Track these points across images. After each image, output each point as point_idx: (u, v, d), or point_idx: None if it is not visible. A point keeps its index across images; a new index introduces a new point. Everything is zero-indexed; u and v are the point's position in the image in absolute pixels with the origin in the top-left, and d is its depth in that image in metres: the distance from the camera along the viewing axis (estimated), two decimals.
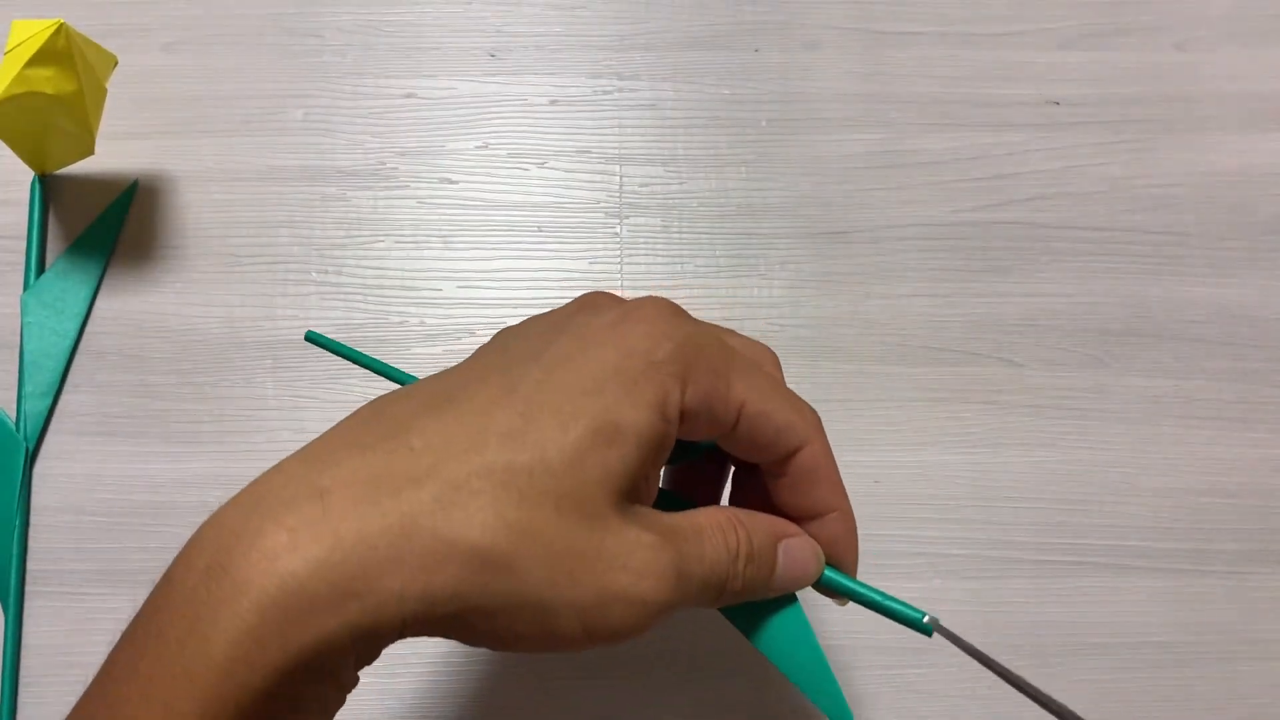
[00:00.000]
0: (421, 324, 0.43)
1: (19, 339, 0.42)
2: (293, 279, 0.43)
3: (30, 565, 0.40)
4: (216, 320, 0.43)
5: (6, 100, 0.36)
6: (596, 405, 0.23)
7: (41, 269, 0.43)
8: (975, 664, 0.26)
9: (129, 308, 0.43)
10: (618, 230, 0.44)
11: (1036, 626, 0.41)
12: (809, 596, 0.28)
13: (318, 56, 0.46)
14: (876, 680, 0.40)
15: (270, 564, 0.20)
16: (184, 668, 0.20)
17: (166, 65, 0.45)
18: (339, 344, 0.34)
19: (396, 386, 0.32)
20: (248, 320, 0.43)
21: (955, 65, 0.47)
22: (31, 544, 0.40)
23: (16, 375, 0.42)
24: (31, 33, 0.36)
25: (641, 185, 0.45)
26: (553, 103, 0.46)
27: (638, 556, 0.23)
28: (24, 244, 0.43)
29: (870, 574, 0.39)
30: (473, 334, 0.43)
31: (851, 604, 0.28)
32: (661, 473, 0.27)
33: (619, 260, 0.44)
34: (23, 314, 0.42)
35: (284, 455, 0.43)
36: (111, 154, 0.44)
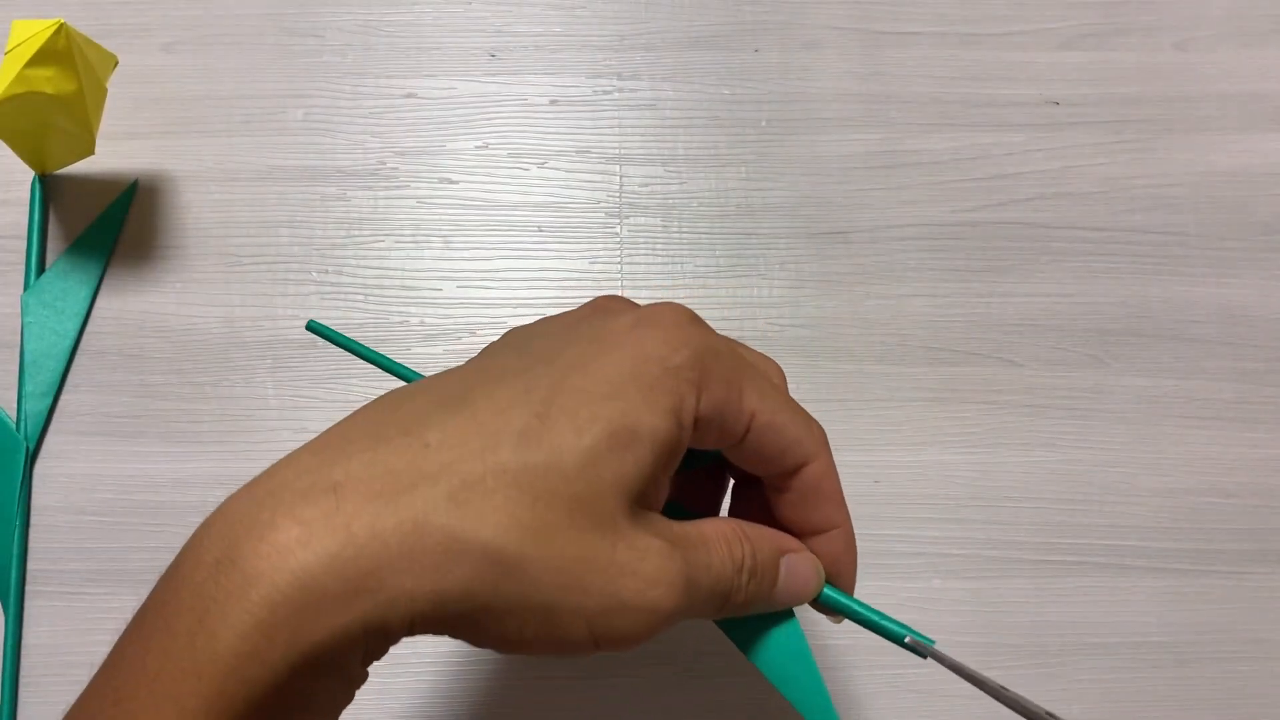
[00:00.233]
0: (421, 324, 0.43)
1: (19, 339, 0.42)
2: (293, 279, 0.43)
3: (30, 565, 0.40)
4: (216, 320, 0.43)
5: (6, 100, 0.36)
6: (613, 409, 0.23)
7: (42, 269, 0.43)
8: (975, 666, 0.26)
9: (129, 308, 0.43)
10: (618, 230, 0.44)
11: (1036, 626, 0.41)
12: (805, 610, 0.28)
13: (318, 56, 0.46)
14: (876, 680, 0.40)
15: (282, 558, 0.20)
16: (192, 662, 0.20)
17: (166, 65, 0.45)
18: (339, 334, 0.34)
19: (395, 380, 0.32)
20: (248, 320, 0.43)
21: (955, 65, 0.47)
22: (31, 544, 0.40)
23: (17, 375, 0.42)
24: (32, 33, 0.36)
25: (641, 185, 0.45)
26: (553, 103, 0.46)
27: (648, 563, 0.23)
28: (24, 244, 0.43)
29: (870, 574, 0.39)
30: (473, 334, 0.43)
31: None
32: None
33: (619, 260, 0.44)
34: (23, 314, 0.42)
35: (284, 455, 0.43)
36: (111, 154, 0.44)
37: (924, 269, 0.44)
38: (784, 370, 0.29)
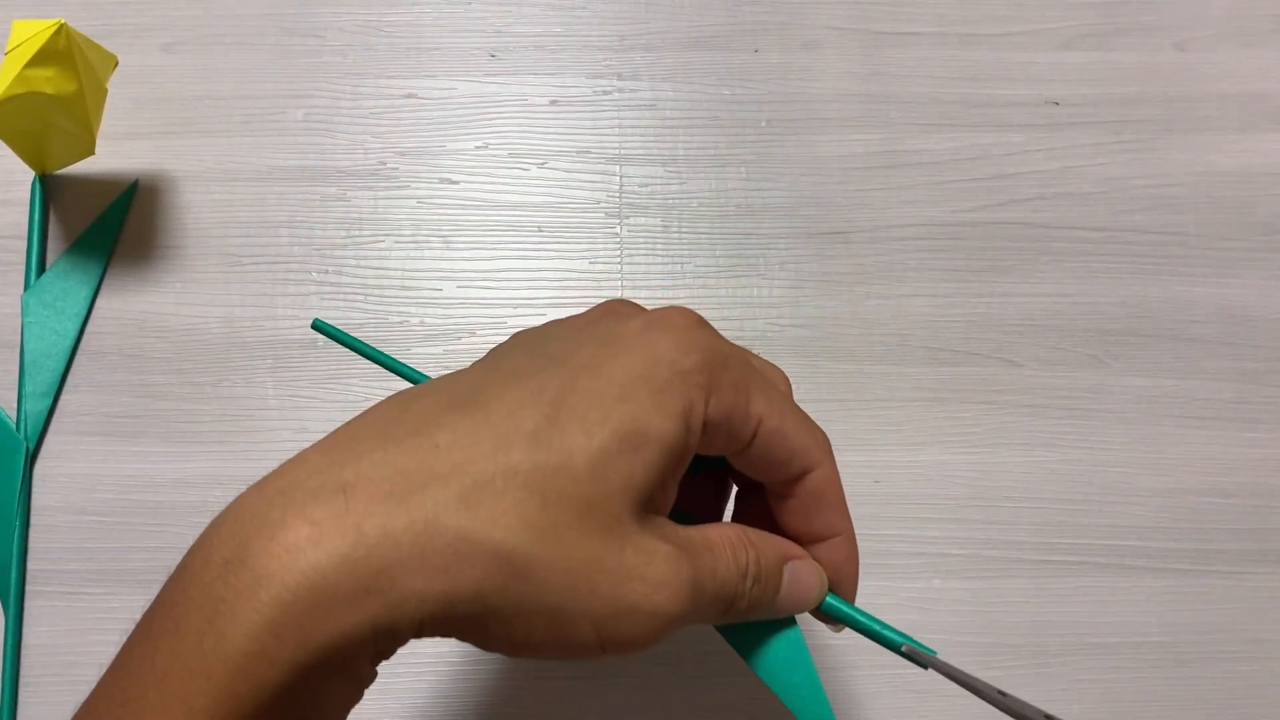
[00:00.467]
0: (421, 324, 0.43)
1: (19, 339, 0.42)
2: (293, 279, 0.43)
3: (30, 565, 0.40)
4: (216, 320, 0.43)
5: (7, 100, 0.36)
6: (623, 411, 0.23)
7: (42, 269, 0.43)
8: (975, 666, 0.26)
9: (129, 308, 0.43)
10: (618, 230, 0.44)
11: (1036, 626, 0.41)
12: (804, 616, 0.28)
13: (318, 56, 0.46)
14: (876, 680, 0.40)
15: (292, 557, 0.20)
16: (200, 662, 0.20)
17: (166, 65, 0.45)
18: (344, 333, 0.34)
19: (398, 381, 0.32)
20: (248, 320, 0.43)
21: (955, 65, 0.47)
22: (31, 544, 0.40)
23: (17, 375, 0.42)
24: (32, 33, 0.36)
25: (641, 185, 0.45)
26: (553, 103, 0.46)
27: (655, 567, 0.23)
28: (24, 244, 0.43)
29: (870, 574, 0.39)
30: (473, 334, 0.43)
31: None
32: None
33: (619, 260, 0.44)
34: (23, 314, 0.42)
35: (284, 455, 0.43)
36: (111, 154, 0.44)
37: (924, 269, 0.44)
38: (789, 376, 0.29)
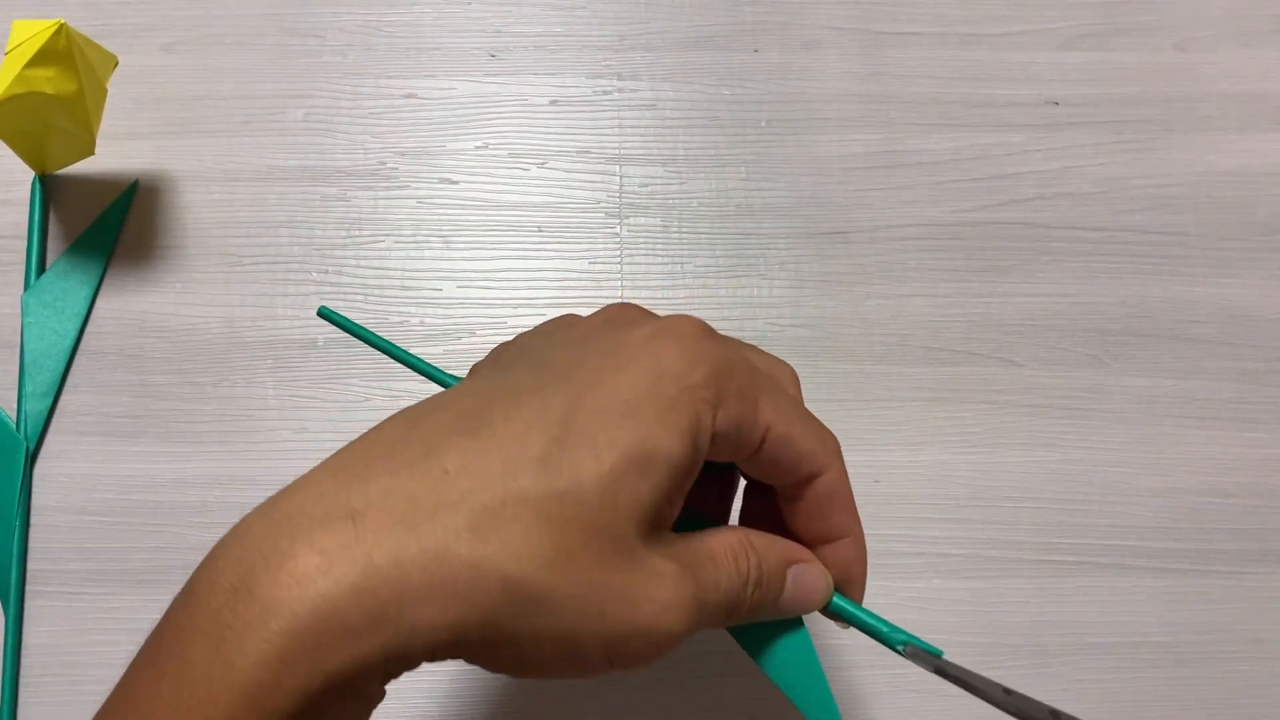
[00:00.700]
0: (422, 324, 0.43)
1: (19, 339, 0.42)
2: (293, 279, 0.43)
3: (30, 565, 0.40)
4: (216, 320, 0.43)
5: (7, 100, 0.36)
6: (631, 432, 0.22)
7: (42, 269, 0.43)
8: (976, 666, 0.26)
9: (129, 308, 0.43)
10: (618, 230, 0.44)
11: (1036, 626, 0.41)
12: (812, 615, 0.28)
13: (318, 56, 0.46)
14: (876, 680, 0.40)
15: (301, 588, 0.20)
16: (208, 690, 0.19)
17: (166, 65, 0.45)
18: (351, 321, 0.33)
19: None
20: (248, 320, 0.43)
21: (955, 65, 0.47)
22: (31, 544, 0.40)
23: (17, 375, 0.42)
24: (32, 33, 0.36)
25: (641, 185, 0.45)
26: (553, 103, 0.46)
27: (663, 588, 0.23)
28: (24, 244, 0.43)
29: (870, 574, 0.39)
30: (473, 334, 0.43)
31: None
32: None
33: (619, 260, 0.44)
34: (23, 314, 0.42)
35: (284, 455, 0.43)
36: (111, 154, 0.44)
37: (924, 269, 0.44)
38: (797, 375, 0.28)
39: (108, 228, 0.43)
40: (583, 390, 0.23)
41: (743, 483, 0.30)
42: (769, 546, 0.26)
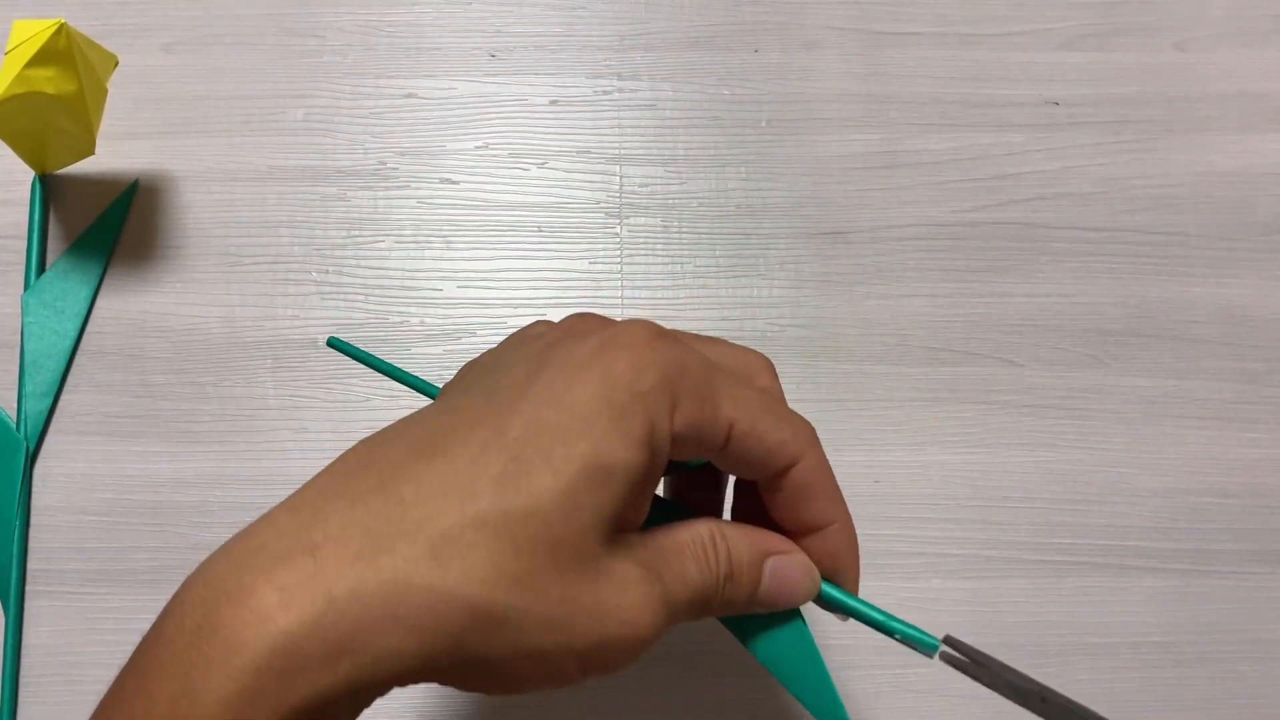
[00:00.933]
0: (422, 324, 0.43)
1: (19, 339, 0.42)
2: (293, 279, 0.43)
3: (30, 565, 0.40)
4: (216, 320, 0.43)
5: (7, 100, 0.36)
6: (586, 446, 0.22)
7: (42, 269, 0.43)
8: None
9: (129, 308, 0.43)
10: (618, 230, 0.44)
11: (1036, 626, 0.41)
12: (809, 608, 0.28)
13: (318, 56, 0.46)
14: (877, 680, 0.40)
15: (262, 625, 0.20)
16: None
17: (166, 65, 0.45)
18: (361, 350, 0.33)
19: (409, 388, 0.32)
20: (248, 320, 0.43)
21: (955, 65, 0.47)
22: (31, 544, 0.40)
23: (17, 375, 0.42)
24: (32, 33, 0.36)
25: (641, 185, 0.45)
26: (553, 103, 0.46)
27: (630, 594, 0.23)
28: (24, 244, 0.43)
29: (870, 574, 0.39)
30: (473, 334, 0.43)
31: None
32: (661, 482, 0.27)
33: (619, 260, 0.44)
34: (23, 314, 0.42)
35: (284, 455, 0.43)
36: (111, 154, 0.44)
37: (924, 269, 0.44)
38: (773, 364, 0.28)
39: (108, 228, 0.43)
40: (538, 407, 0.23)
41: (733, 477, 0.30)
42: (741, 537, 0.26)
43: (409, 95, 0.46)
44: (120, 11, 0.46)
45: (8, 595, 0.40)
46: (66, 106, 0.38)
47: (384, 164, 0.45)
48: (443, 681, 0.22)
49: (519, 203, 0.44)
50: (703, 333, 0.28)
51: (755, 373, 0.28)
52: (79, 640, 0.40)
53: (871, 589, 0.40)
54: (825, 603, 0.27)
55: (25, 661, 0.39)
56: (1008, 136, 0.46)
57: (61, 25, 0.36)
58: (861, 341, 0.43)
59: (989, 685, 0.26)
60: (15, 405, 0.41)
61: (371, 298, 0.43)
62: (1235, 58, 0.47)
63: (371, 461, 0.23)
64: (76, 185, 0.44)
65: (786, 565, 0.26)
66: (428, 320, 0.43)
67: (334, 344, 0.34)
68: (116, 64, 0.41)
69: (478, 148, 0.45)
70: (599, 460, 0.22)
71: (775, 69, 0.46)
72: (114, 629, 0.40)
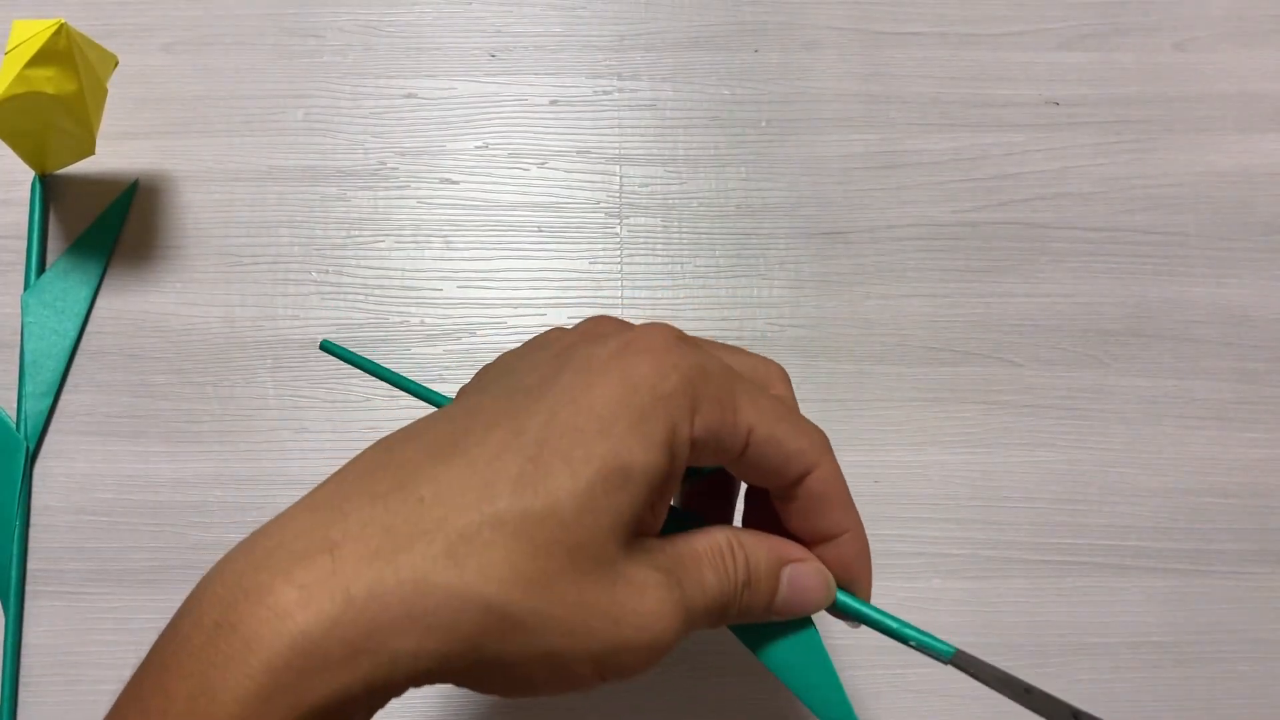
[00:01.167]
0: (422, 324, 0.43)
1: (19, 339, 0.42)
2: (293, 279, 0.43)
3: (30, 565, 0.40)
4: (216, 320, 0.43)
5: (7, 100, 0.36)
6: (605, 447, 0.22)
7: (42, 269, 0.43)
8: None
9: (129, 308, 0.43)
10: (618, 230, 0.44)
11: (1036, 626, 0.41)
12: (817, 615, 0.28)
13: (318, 56, 0.46)
14: (877, 680, 0.40)
15: (280, 623, 0.20)
16: None
17: (166, 65, 0.45)
18: (353, 353, 0.33)
19: (402, 391, 0.32)
20: (248, 320, 0.43)
21: (955, 65, 0.47)
22: (31, 544, 0.40)
23: (17, 375, 0.42)
24: (32, 33, 0.36)
25: (641, 185, 0.45)
26: (553, 103, 0.46)
27: (648, 599, 0.23)
28: (24, 244, 0.43)
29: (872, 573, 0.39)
30: (473, 334, 0.43)
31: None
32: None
33: (619, 260, 0.44)
34: (23, 314, 0.42)
35: (284, 456, 0.43)
36: (111, 154, 0.44)
37: (924, 269, 0.44)
38: (788, 373, 0.28)
39: (108, 228, 0.43)
40: (556, 409, 0.23)
41: (744, 486, 0.30)
42: (758, 545, 0.26)
43: (409, 95, 0.46)
44: (120, 11, 0.46)
45: (8, 595, 0.40)
46: (66, 106, 0.38)
47: (384, 164, 0.45)
48: (458, 683, 0.22)
49: (519, 203, 0.44)
50: (702, 333, 0.28)
51: (771, 381, 0.28)
52: (79, 640, 0.40)
53: (873, 588, 0.40)
54: (838, 611, 0.27)
55: (25, 661, 0.39)
56: (1008, 136, 0.46)
57: (61, 25, 0.36)
58: (861, 341, 0.43)
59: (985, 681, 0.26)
60: (15, 405, 0.42)
61: (371, 298, 0.43)
62: (1235, 58, 0.47)
63: (390, 461, 0.23)
64: (76, 185, 0.44)
65: (803, 573, 0.26)
66: (428, 320, 0.43)
67: (327, 347, 0.34)
68: (116, 64, 0.41)
69: (478, 148, 0.45)
70: (618, 462, 0.22)
71: (775, 69, 0.46)
72: (114, 629, 0.40)
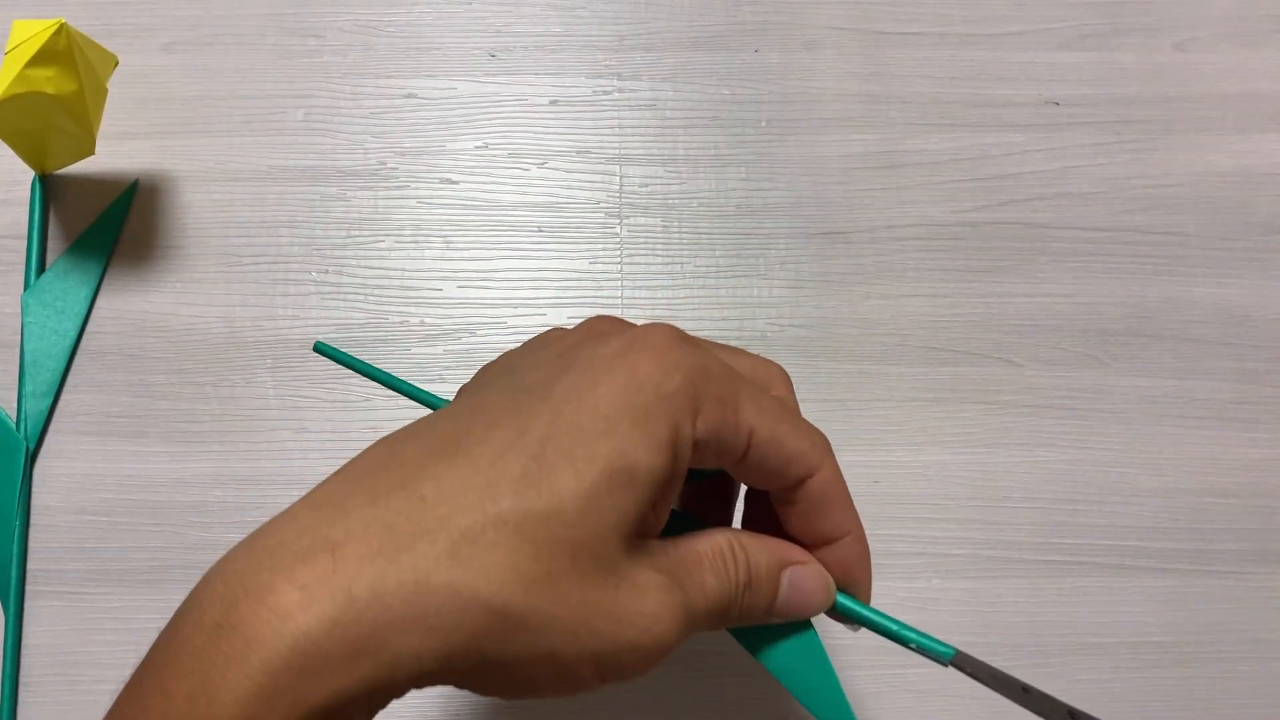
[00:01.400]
0: (421, 324, 0.43)
1: (19, 339, 0.42)
2: (293, 279, 0.43)
3: (30, 565, 0.40)
4: (216, 320, 0.43)
5: (7, 100, 0.36)
6: (609, 447, 0.22)
7: (42, 269, 0.43)
8: None
9: (129, 308, 0.43)
10: (618, 230, 0.44)
11: (1036, 626, 0.41)
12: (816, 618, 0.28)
13: (318, 56, 0.46)
14: (877, 680, 0.40)
15: (281, 623, 0.20)
16: None
17: (166, 65, 0.45)
18: (346, 355, 0.33)
19: (395, 392, 0.32)
20: (248, 320, 0.43)
21: (955, 65, 0.47)
22: (31, 544, 0.40)
23: (17, 375, 0.42)
24: (32, 33, 0.36)
25: (641, 185, 0.45)
26: (553, 103, 0.46)
27: (649, 600, 0.23)
28: (24, 244, 0.43)
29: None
30: (473, 334, 0.43)
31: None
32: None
33: (619, 260, 0.44)
34: (23, 314, 0.42)
35: (284, 455, 0.43)
36: (111, 154, 0.44)
37: (924, 269, 0.44)
38: (789, 375, 0.28)
39: (108, 228, 0.43)
40: (560, 407, 0.23)
41: (743, 489, 0.30)
42: (760, 547, 0.26)
43: (409, 95, 0.46)
44: (120, 11, 0.46)
45: (8, 595, 0.40)
46: (66, 106, 0.38)
47: (384, 164, 0.45)
48: (459, 684, 0.22)
49: (519, 203, 0.45)
50: (702, 333, 0.28)
51: (772, 382, 0.28)
52: (79, 640, 0.40)
53: (873, 589, 0.40)
54: (838, 613, 0.27)
55: (25, 661, 0.39)
56: (1008, 136, 0.46)
57: (61, 25, 0.36)
58: (861, 341, 0.43)
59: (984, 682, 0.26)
60: (15, 405, 0.42)
61: (371, 298, 0.43)
62: (1235, 58, 0.47)
63: (392, 460, 0.23)
64: (76, 185, 0.44)
65: (804, 575, 0.26)
66: (428, 320, 0.43)
67: (320, 349, 0.34)
68: (116, 64, 0.41)
69: (478, 148, 0.45)
70: (622, 462, 0.22)
71: (775, 69, 0.46)
72: (114, 629, 0.40)
